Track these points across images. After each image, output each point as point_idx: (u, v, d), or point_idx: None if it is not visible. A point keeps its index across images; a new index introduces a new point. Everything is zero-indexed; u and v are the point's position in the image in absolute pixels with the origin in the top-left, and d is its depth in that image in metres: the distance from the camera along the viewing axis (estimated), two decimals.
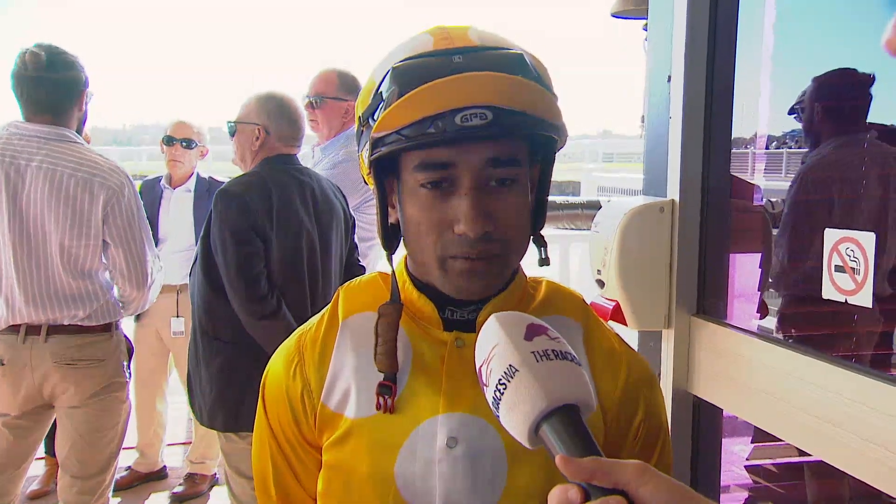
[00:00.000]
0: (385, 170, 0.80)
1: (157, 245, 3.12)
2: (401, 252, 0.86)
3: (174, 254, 3.12)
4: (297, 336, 0.88)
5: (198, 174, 3.22)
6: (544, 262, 0.84)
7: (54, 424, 2.22)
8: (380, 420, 0.79)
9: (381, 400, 0.79)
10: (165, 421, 3.35)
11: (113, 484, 2.28)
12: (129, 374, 2.25)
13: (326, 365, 0.84)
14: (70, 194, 2.03)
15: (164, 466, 3.40)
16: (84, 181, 2.04)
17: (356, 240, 2.39)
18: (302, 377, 0.84)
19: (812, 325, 1.48)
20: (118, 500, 3.22)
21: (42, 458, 3.18)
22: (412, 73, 0.72)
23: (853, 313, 1.18)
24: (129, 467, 3.34)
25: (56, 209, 2.02)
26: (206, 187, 3.17)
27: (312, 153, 2.77)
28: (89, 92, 2.20)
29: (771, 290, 1.61)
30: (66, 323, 2.08)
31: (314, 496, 0.87)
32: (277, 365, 0.88)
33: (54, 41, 2.11)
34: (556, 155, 0.84)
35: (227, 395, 2.06)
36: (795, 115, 1.58)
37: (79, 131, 2.17)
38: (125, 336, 2.26)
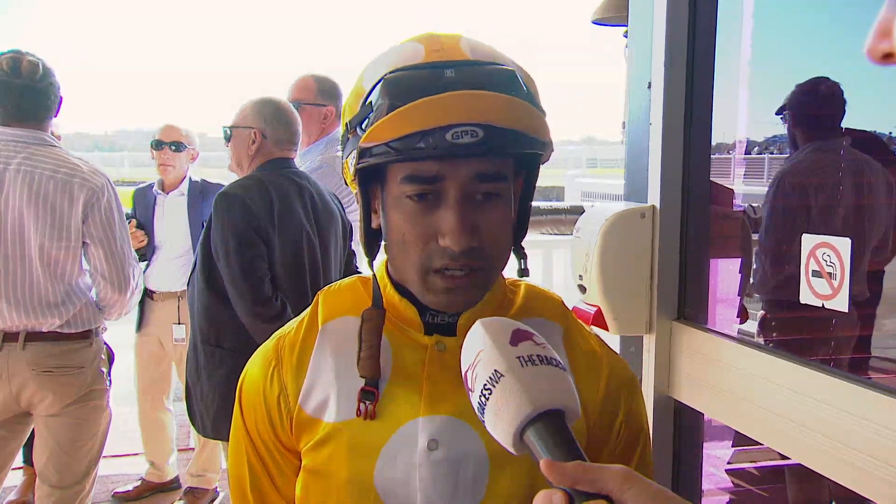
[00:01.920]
0: (370, 176, 0.80)
1: (153, 252, 3.09)
2: (380, 257, 0.86)
3: (172, 260, 3.08)
4: (275, 339, 0.88)
5: (190, 177, 3.18)
6: (524, 273, 0.85)
7: (33, 433, 2.19)
8: (359, 424, 0.79)
9: (362, 406, 0.79)
10: (171, 431, 3.29)
11: (92, 492, 2.25)
12: (110, 381, 2.22)
13: (305, 369, 0.83)
14: (49, 197, 2.01)
15: (177, 477, 3.33)
16: (63, 182, 2.03)
17: None
18: (279, 381, 0.84)
19: (791, 330, 1.49)
20: None
21: (20, 468, 3.14)
22: (403, 86, 0.71)
23: (831, 318, 1.19)
24: (142, 478, 3.29)
25: (35, 211, 2.00)
26: (199, 190, 3.14)
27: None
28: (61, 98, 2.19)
29: (751, 294, 1.62)
30: (44, 330, 2.05)
31: (292, 502, 0.86)
32: (254, 368, 0.88)
33: (39, 45, 2.11)
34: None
35: (230, 405, 2.00)
36: (781, 116, 1.60)
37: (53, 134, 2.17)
38: (105, 343, 2.24)
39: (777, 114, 1.60)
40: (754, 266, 1.60)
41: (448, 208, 0.73)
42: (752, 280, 1.59)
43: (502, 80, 0.73)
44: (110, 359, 2.24)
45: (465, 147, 0.70)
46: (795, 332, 1.46)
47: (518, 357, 0.62)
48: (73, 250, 2.07)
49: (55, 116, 2.15)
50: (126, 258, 2.16)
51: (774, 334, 1.62)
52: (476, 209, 0.75)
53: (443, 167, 0.73)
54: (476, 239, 0.74)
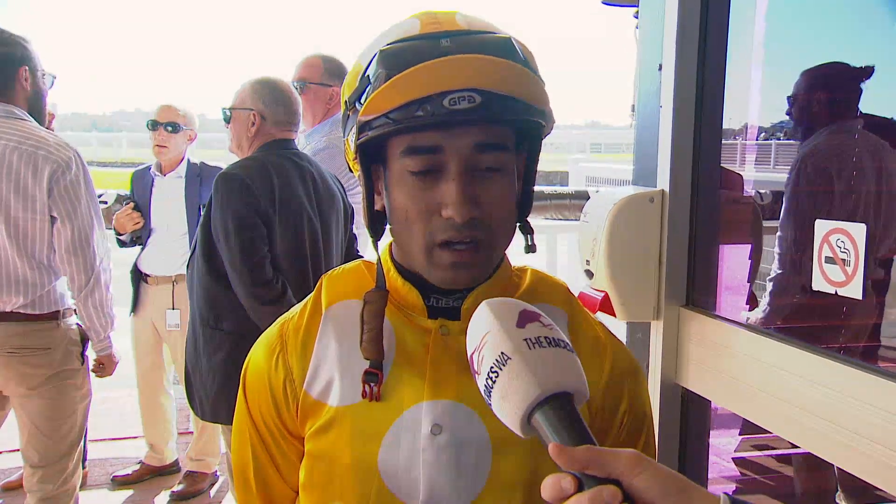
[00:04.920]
0: (371, 156, 0.79)
1: (149, 235, 3.05)
2: (385, 239, 0.85)
3: (168, 243, 3.04)
4: (279, 324, 0.87)
5: (188, 159, 3.12)
6: (530, 248, 0.84)
7: None
8: (363, 408, 0.78)
9: (367, 388, 0.78)
10: (171, 415, 3.27)
11: (81, 473, 2.24)
12: (84, 359, 2.19)
13: (309, 353, 0.82)
14: (13, 167, 1.98)
15: (177, 460, 3.32)
16: (28, 155, 1.99)
17: None
18: (284, 365, 0.83)
19: (811, 316, 1.46)
20: (130, 493, 3.18)
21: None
22: (400, 56, 0.71)
23: (861, 306, 1.17)
24: (141, 461, 3.29)
25: (0, 183, 1.98)
26: (197, 172, 3.08)
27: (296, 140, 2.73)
28: (45, 72, 2.15)
29: (773, 279, 1.59)
30: (7, 310, 2.03)
31: (295, 489, 0.86)
32: (259, 354, 0.87)
33: (40, 25, 2.10)
34: (543, 143, 0.83)
35: (230, 387, 2.00)
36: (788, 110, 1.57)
37: (36, 110, 2.12)
38: (77, 324, 2.20)
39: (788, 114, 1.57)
40: (778, 251, 1.56)
41: (449, 180, 0.73)
42: (777, 268, 1.56)
43: (498, 46, 0.72)
44: (83, 339, 2.20)
45: (464, 113, 0.69)
46: (814, 319, 1.44)
47: (525, 339, 0.61)
48: (39, 224, 2.04)
49: (25, 88, 2.09)
50: (92, 233, 2.11)
51: (795, 321, 1.59)
52: (477, 181, 0.74)
53: (442, 137, 0.72)
54: (477, 209, 0.73)
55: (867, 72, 1.32)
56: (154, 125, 3.05)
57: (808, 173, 1.50)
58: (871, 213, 1.33)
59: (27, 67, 2.09)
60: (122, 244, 3.10)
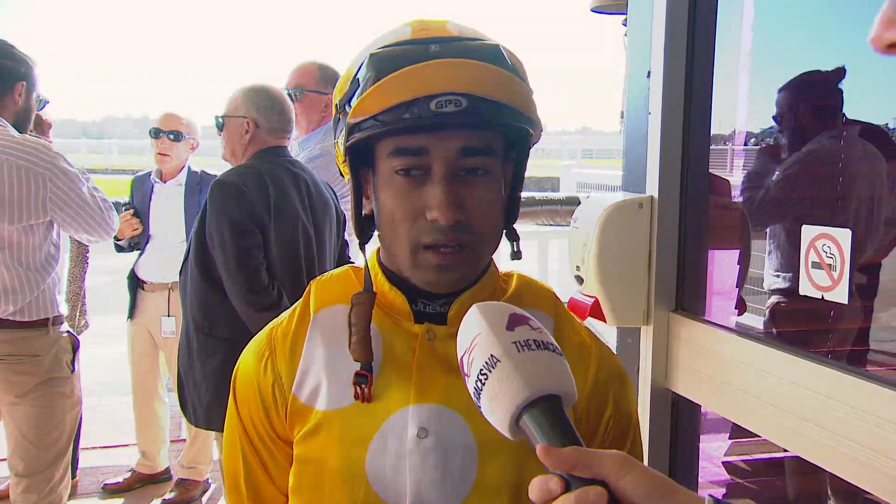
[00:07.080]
0: (360, 160, 0.80)
1: (147, 241, 3.06)
2: (373, 244, 0.86)
3: (165, 250, 3.05)
4: (268, 330, 0.88)
5: (189, 167, 3.13)
6: (516, 255, 0.85)
7: None
8: (350, 412, 0.79)
9: (357, 389, 0.78)
10: (165, 422, 3.26)
11: (69, 483, 2.22)
12: (73, 368, 2.18)
13: (297, 358, 0.83)
14: (3, 177, 1.98)
15: (168, 468, 3.31)
16: (19, 167, 2.00)
17: None
18: (273, 370, 0.84)
19: (806, 321, 1.47)
20: (121, 501, 3.16)
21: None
22: (388, 59, 0.72)
23: (861, 311, 1.18)
24: (133, 469, 3.27)
25: None
26: (197, 181, 3.09)
27: (290, 147, 2.73)
28: (40, 95, 2.16)
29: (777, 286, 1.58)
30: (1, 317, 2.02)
31: (286, 493, 0.86)
32: (248, 359, 0.87)
33: (37, 34, 2.10)
34: (533, 150, 0.84)
35: (224, 394, 1.98)
36: (776, 120, 1.58)
37: (19, 126, 2.12)
38: (69, 331, 2.20)
39: (775, 119, 1.58)
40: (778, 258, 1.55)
41: (435, 182, 0.73)
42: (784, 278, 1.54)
43: (486, 52, 0.73)
44: (74, 347, 2.19)
45: (450, 116, 0.70)
46: (808, 324, 1.44)
47: (514, 342, 0.61)
48: (24, 232, 2.03)
49: (16, 103, 2.10)
50: (99, 210, 2.18)
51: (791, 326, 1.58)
52: (463, 184, 0.74)
53: (429, 140, 0.73)
54: (463, 213, 0.74)
55: (846, 77, 1.34)
56: (157, 133, 3.06)
57: (819, 177, 1.49)
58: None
59: (24, 84, 2.10)
60: (119, 249, 3.11)
